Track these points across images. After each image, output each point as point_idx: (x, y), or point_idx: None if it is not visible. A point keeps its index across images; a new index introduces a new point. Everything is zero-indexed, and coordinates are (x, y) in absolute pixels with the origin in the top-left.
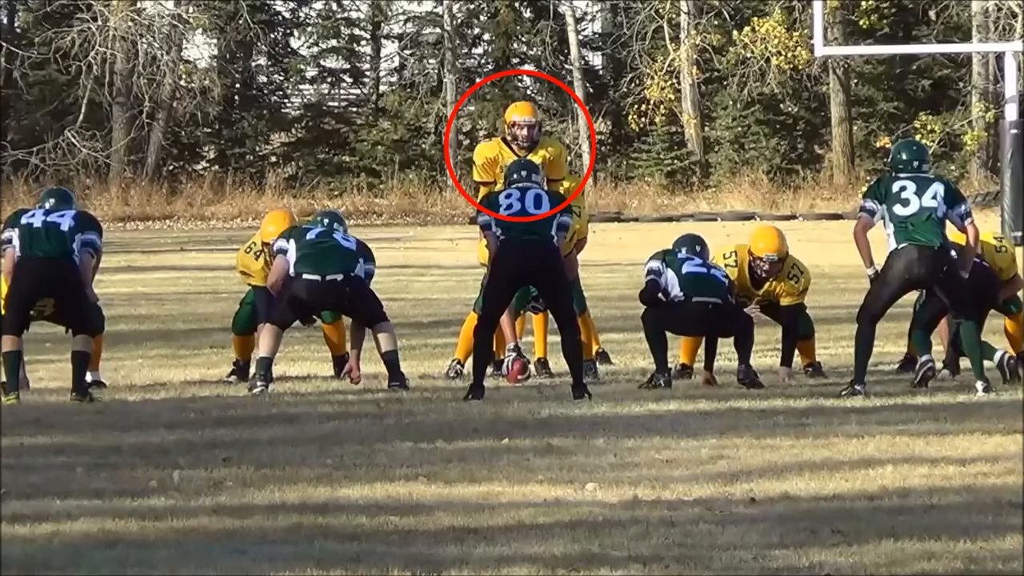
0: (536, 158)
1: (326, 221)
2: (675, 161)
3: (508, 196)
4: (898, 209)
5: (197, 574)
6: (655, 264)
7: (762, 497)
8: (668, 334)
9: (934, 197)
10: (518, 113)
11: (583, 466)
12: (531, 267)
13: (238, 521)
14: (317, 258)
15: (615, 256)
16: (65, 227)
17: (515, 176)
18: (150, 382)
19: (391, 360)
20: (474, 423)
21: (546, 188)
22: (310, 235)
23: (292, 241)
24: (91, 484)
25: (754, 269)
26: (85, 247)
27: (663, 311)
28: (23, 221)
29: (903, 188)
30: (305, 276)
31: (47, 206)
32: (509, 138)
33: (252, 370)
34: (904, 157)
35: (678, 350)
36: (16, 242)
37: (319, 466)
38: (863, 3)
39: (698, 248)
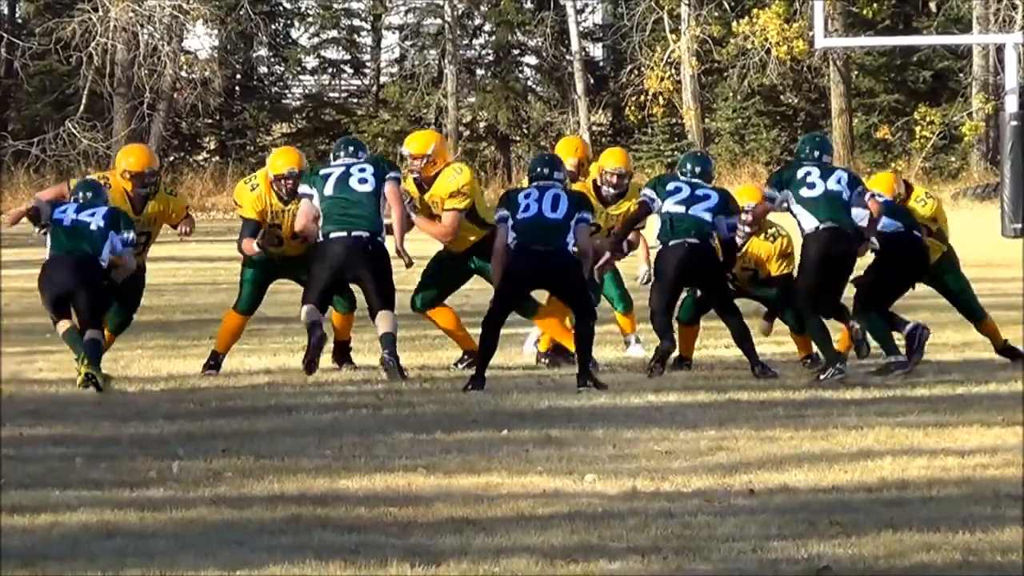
0: (619, 211)
1: (351, 149)
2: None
3: (527, 196)
4: (804, 192)
5: (196, 565)
6: (648, 192)
7: (761, 488)
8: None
9: (838, 182)
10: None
11: (582, 457)
12: (543, 275)
13: (237, 512)
14: (341, 214)
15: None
16: (95, 226)
17: (538, 171)
18: (149, 373)
19: (389, 340)
20: (473, 414)
21: (566, 187)
22: (328, 187)
23: (314, 189)
24: (90, 475)
25: (599, 188)
26: (126, 247)
27: (657, 280)
28: (55, 216)
29: (808, 173)
30: (333, 234)
31: (80, 199)
32: (602, 184)
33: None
34: (808, 149)
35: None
36: (48, 239)
37: (318, 457)
38: None
39: (698, 169)
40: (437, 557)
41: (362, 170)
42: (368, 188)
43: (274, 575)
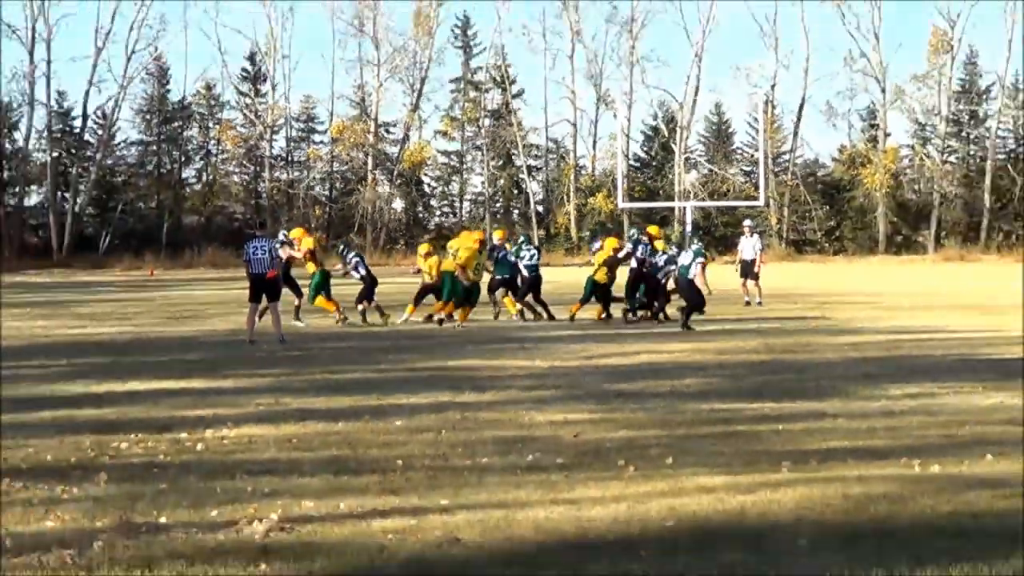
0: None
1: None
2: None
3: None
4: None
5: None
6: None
7: (595, 363)
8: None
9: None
10: None
11: (537, 354)
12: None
13: (407, 373)
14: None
15: (546, 275)
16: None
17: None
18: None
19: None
20: (494, 339)
21: None
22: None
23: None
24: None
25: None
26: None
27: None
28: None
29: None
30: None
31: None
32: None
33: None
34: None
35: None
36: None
37: (440, 357)
38: (635, 184)
39: (533, 247)
40: (483, 390)
41: (511, 254)
42: (511, 259)
43: (420, 399)
